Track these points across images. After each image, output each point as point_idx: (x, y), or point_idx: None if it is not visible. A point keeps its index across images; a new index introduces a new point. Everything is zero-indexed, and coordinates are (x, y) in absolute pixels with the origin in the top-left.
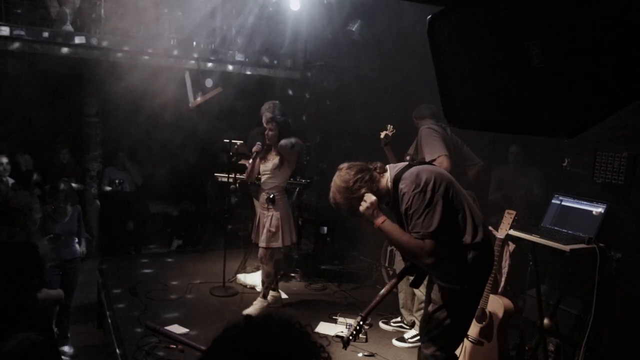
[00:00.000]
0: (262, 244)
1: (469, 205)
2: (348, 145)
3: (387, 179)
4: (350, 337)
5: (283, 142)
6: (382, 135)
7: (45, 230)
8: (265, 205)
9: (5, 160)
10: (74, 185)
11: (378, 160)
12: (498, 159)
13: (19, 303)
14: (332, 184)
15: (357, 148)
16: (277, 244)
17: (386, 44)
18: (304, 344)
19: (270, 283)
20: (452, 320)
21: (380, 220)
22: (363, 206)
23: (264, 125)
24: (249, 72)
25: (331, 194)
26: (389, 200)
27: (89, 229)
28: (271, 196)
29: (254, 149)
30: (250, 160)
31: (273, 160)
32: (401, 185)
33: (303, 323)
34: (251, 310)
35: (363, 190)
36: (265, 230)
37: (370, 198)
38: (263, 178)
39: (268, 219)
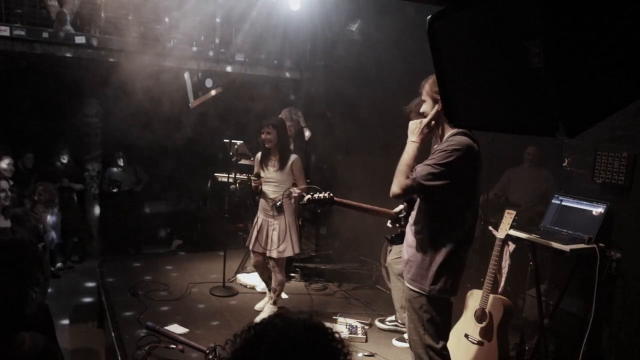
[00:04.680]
0: (273, 254)
1: (475, 202)
2: (348, 146)
3: (448, 131)
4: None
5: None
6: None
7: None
8: (271, 213)
9: (8, 161)
10: (75, 185)
11: (379, 164)
12: (497, 158)
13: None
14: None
15: (357, 148)
16: (289, 252)
17: (386, 44)
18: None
19: (282, 290)
20: (428, 321)
21: (418, 140)
22: (415, 124)
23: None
24: (249, 72)
25: (424, 82)
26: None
27: (89, 229)
28: (278, 204)
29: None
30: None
31: (275, 166)
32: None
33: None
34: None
35: (438, 103)
36: (275, 240)
37: (424, 122)
38: (266, 185)
39: (276, 227)
